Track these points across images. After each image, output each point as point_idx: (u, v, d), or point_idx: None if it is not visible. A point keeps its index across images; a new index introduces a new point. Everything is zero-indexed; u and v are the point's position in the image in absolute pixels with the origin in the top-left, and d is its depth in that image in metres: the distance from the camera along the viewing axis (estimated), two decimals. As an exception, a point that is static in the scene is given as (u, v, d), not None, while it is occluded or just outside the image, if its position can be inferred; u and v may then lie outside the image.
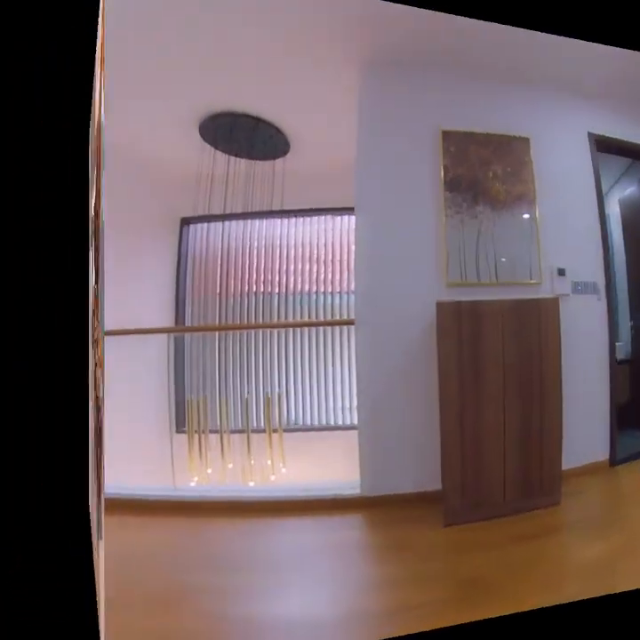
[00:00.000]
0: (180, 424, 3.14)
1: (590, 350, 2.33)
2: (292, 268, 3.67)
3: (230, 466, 2.63)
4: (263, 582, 1.59)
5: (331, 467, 2.75)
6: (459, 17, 1.88)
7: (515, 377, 1.99)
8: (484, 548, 1.84)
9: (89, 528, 0.75)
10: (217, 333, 3.58)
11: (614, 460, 2.28)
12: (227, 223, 3.58)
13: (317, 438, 3.41)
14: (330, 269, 3.69)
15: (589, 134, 2.33)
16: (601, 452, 2.27)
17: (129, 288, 3.04)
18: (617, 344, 2.41)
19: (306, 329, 3.72)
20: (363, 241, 2.14)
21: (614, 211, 2.57)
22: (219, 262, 3.63)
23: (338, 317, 3.60)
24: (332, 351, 3.69)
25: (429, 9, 1.73)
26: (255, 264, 3.65)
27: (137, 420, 2.69)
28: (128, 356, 2.63)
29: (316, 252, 3.72)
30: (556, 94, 2.27)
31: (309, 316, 3.67)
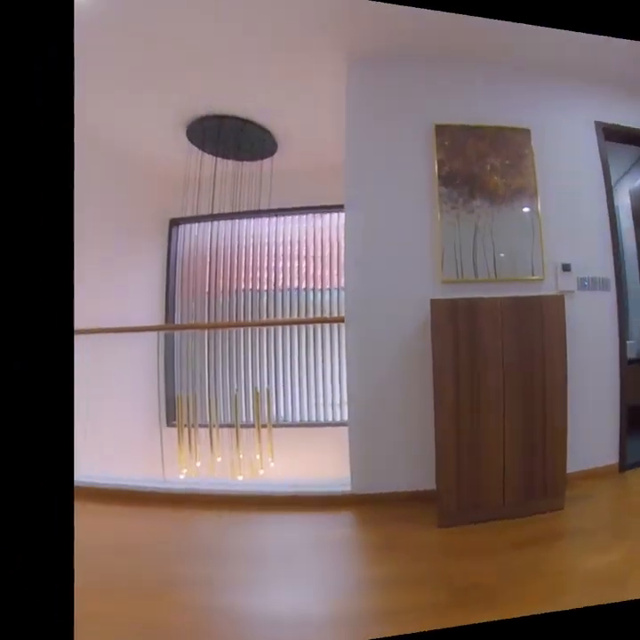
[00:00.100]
0: (171, 418, 3.22)
1: (599, 349, 2.22)
2: (280, 265, 3.68)
3: (219, 459, 2.71)
4: (251, 576, 1.57)
5: (320, 463, 2.75)
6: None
7: (515, 376, 1.92)
8: (480, 553, 1.77)
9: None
10: (206, 331, 3.67)
11: (624, 465, 2.16)
12: (215, 223, 3.65)
13: (307, 434, 3.43)
14: (319, 266, 3.69)
15: (596, 123, 2.22)
16: (610, 456, 2.16)
17: (120, 287, 3.16)
18: (628, 342, 2.29)
19: (296, 326, 3.73)
20: (352, 238, 2.12)
21: (624, 202, 2.43)
22: (207, 261, 3.69)
23: (327, 313, 3.60)
24: (322, 348, 3.69)
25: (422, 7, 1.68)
26: (244, 262, 3.70)
27: (129, 413, 2.79)
28: (120, 352, 2.74)
29: (304, 249, 3.71)
30: (560, 82, 2.18)
31: (299, 313, 3.68)
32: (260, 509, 2.11)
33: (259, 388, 3.11)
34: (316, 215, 3.52)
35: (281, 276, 3.59)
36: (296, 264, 3.57)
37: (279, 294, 3.55)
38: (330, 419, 3.52)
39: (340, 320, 2.30)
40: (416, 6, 1.38)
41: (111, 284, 2.94)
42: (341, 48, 2.04)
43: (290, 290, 3.57)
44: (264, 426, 2.61)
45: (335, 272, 3.54)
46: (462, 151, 2.08)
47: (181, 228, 3.62)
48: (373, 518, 1.99)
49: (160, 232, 3.42)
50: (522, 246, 2.15)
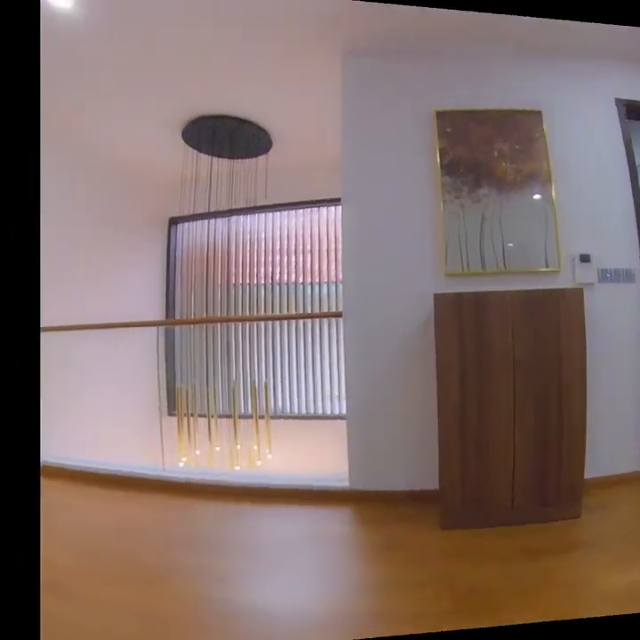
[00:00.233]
0: (172, 408, 3.35)
1: (621, 345, 2.05)
2: (277, 259, 3.72)
3: (217, 449, 2.79)
4: (247, 568, 1.57)
5: (318, 456, 2.73)
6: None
7: (527, 374, 1.79)
8: (485, 558, 1.66)
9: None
10: (205, 325, 3.78)
11: (649, 472, 1.99)
12: (212, 221, 3.73)
13: (305, 427, 3.44)
14: (316, 260, 3.69)
15: (617, 100, 2.05)
16: (633, 461, 1.98)
17: (123, 284, 3.37)
18: (656, 338, 2.09)
19: (294, 319, 3.74)
20: (349, 232, 2.06)
21: (652, 185, 2.22)
22: (206, 257, 3.82)
23: (325, 306, 3.60)
24: (320, 340, 3.68)
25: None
26: (241, 258, 3.77)
27: (131, 403, 2.94)
28: (124, 345, 2.88)
29: (301, 243, 3.72)
30: (573, 58, 2.02)
31: (296, 306, 3.69)
32: (256, 501, 2.11)
33: (256, 381, 3.18)
34: (312, 209, 3.53)
35: (278, 270, 3.64)
36: (293, 258, 3.61)
37: (276, 288, 3.61)
38: (328, 411, 3.55)
39: (339, 315, 2.26)
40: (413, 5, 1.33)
41: (115, 283, 3.20)
42: (336, 40, 2.00)
43: (287, 284, 3.62)
44: (262, 417, 2.66)
45: (333, 266, 3.54)
46: (466, 138, 1.98)
47: (180, 226, 3.80)
48: (372, 516, 1.94)
49: (160, 231, 3.63)
50: (534, 236, 2.01)
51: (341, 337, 2.18)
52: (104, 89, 2.36)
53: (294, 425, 3.40)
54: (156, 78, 2.32)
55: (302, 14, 1.90)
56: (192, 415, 2.72)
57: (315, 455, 2.56)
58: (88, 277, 2.95)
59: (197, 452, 2.59)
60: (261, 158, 3.01)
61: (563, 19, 1.15)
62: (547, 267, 2.02)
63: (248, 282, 3.67)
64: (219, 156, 2.87)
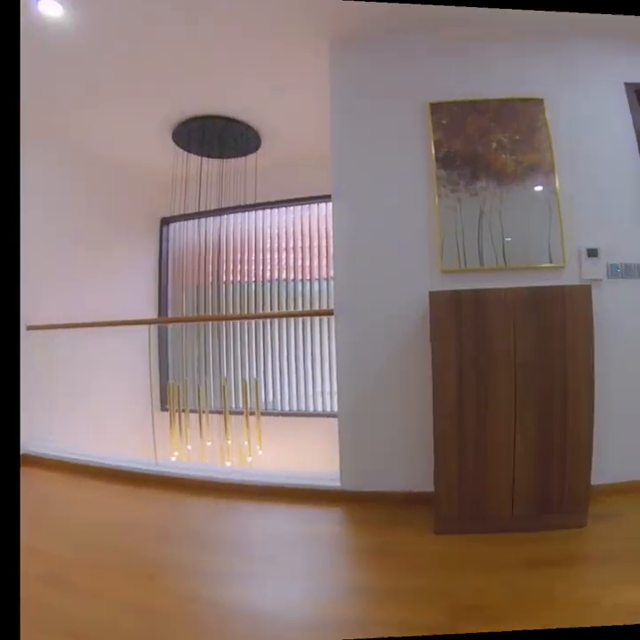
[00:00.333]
0: (165, 402, 3.46)
1: (633, 345, 1.92)
2: (269, 256, 3.75)
3: (209, 444, 2.83)
4: (237, 567, 1.56)
5: (309, 453, 2.72)
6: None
7: (530, 374, 1.71)
8: (483, 567, 1.58)
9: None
10: (197, 322, 3.85)
11: (663, 479, 1.85)
12: (203, 220, 3.82)
13: (296, 423, 3.44)
14: (307, 256, 3.69)
15: (627, 85, 1.92)
16: (644, 469, 1.87)
17: (118, 284, 3.53)
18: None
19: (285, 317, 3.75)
20: (341, 229, 2.01)
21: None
22: (197, 256, 3.91)
23: (317, 303, 3.62)
24: (311, 336, 3.68)
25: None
26: (232, 255, 3.82)
27: (126, 398, 3.06)
28: (118, 342, 2.98)
29: (292, 240, 3.72)
30: (576, 42, 1.91)
31: (288, 303, 3.73)
32: (248, 498, 2.12)
33: (247, 378, 3.23)
34: (303, 206, 3.53)
35: (269, 267, 3.68)
36: (284, 255, 3.63)
37: (267, 285, 3.67)
38: (319, 409, 3.57)
39: (330, 313, 2.22)
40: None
41: (113, 280, 3.34)
42: (323, 34, 1.97)
43: (278, 280, 3.65)
44: (252, 414, 2.71)
45: (324, 262, 3.54)
46: (462, 129, 1.91)
47: (172, 226, 3.92)
48: (363, 517, 1.89)
49: (152, 231, 3.74)
50: (537, 230, 1.92)
51: (333, 333, 2.15)
52: (101, 87, 2.42)
53: (285, 422, 3.44)
54: (145, 81, 2.37)
55: (287, 8, 1.88)
56: (183, 411, 2.81)
57: (306, 452, 2.58)
58: (87, 274, 3.11)
59: (189, 447, 2.68)
60: (251, 157, 3.02)
61: (564, 11, 1.09)
62: (550, 262, 1.92)
63: (239, 279, 3.78)
64: (208, 156, 2.91)
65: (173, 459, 2.62)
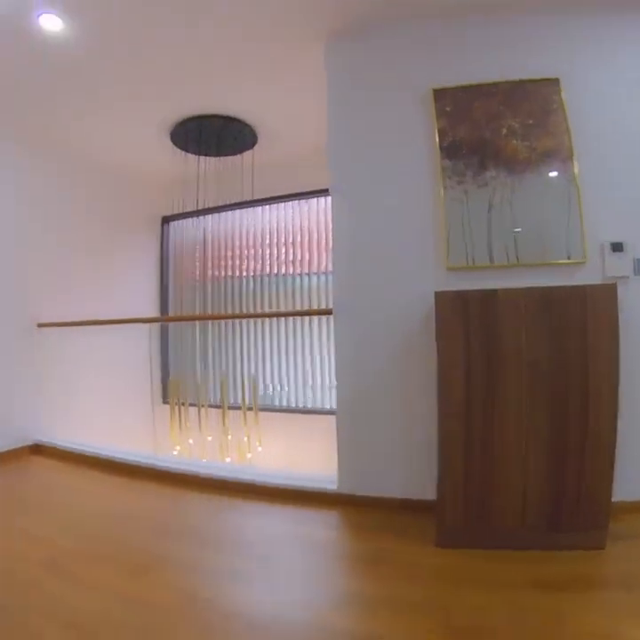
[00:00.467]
0: (166, 396, 3.53)
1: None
2: (268, 252, 3.74)
3: (209, 439, 2.84)
4: (233, 566, 1.52)
5: (308, 449, 2.69)
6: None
7: (542, 374, 1.55)
8: (486, 585, 1.41)
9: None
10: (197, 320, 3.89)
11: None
12: (202, 218, 3.83)
13: (296, 420, 3.38)
14: (306, 251, 3.65)
15: (656, 59, 1.73)
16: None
17: (120, 283, 3.63)
18: None
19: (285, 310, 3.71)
20: (340, 224, 1.90)
21: None
22: (198, 253, 3.91)
23: (316, 297, 3.55)
24: (310, 332, 3.62)
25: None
26: (231, 251, 3.81)
27: (127, 393, 3.14)
28: (121, 339, 3.02)
29: (291, 235, 3.69)
30: (596, 10, 1.73)
31: (287, 298, 3.67)
32: (246, 497, 2.12)
33: (245, 374, 3.26)
34: (301, 201, 3.53)
35: (268, 262, 3.69)
36: (283, 250, 3.63)
37: (266, 280, 3.68)
38: (319, 406, 3.54)
39: (328, 312, 2.14)
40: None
41: (114, 284, 3.54)
42: (322, 36, 1.89)
43: (277, 275, 3.65)
44: (250, 409, 2.75)
45: (323, 257, 3.52)
46: (469, 116, 1.76)
47: (172, 224, 4.00)
48: (361, 523, 1.81)
49: (153, 231, 3.87)
50: (553, 223, 1.75)
51: (331, 329, 2.05)
52: (101, 94, 2.44)
53: (285, 418, 3.47)
54: (145, 85, 2.37)
55: (287, 11, 1.82)
56: (183, 404, 2.79)
57: (305, 449, 2.55)
58: (88, 281, 3.20)
59: (191, 441, 2.75)
60: (247, 154, 2.99)
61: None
62: (568, 258, 1.75)
63: (239, 274, 3.87)
64: (206, 154, 2.90)
65: (175, 453, 2.69)
